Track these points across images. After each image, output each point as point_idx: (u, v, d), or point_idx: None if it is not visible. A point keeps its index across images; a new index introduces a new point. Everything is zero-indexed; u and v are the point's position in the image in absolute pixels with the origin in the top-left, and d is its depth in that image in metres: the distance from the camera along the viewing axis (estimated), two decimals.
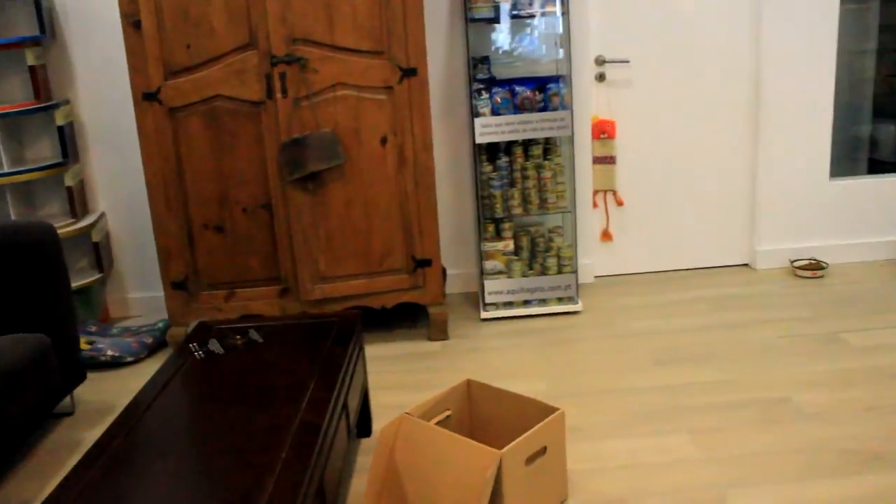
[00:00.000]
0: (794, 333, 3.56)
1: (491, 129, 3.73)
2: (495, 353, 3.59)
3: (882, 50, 5.12)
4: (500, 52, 4.07)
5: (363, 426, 2.94)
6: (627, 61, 4.16)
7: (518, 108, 3.79)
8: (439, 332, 3.75)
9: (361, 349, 2.84)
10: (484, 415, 2.61)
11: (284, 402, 2.24)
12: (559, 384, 3.24)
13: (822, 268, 4.29)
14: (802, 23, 4.14)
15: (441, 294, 3.72)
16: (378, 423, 3.02)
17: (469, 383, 2.62)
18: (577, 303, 3.96)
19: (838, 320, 3.68)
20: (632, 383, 3.20)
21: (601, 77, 4.17)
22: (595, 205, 4.34)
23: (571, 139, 3.98)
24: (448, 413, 2.56)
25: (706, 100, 4.26)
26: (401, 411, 2.44)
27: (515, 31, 4.06)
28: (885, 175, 4.51)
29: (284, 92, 3.41)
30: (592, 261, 4.39)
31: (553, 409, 2.37)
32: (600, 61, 4.15)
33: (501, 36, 4.06)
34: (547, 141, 3.98)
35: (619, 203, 4.35)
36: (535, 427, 2.26)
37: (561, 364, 3.42)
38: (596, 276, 4.44)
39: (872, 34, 5.07)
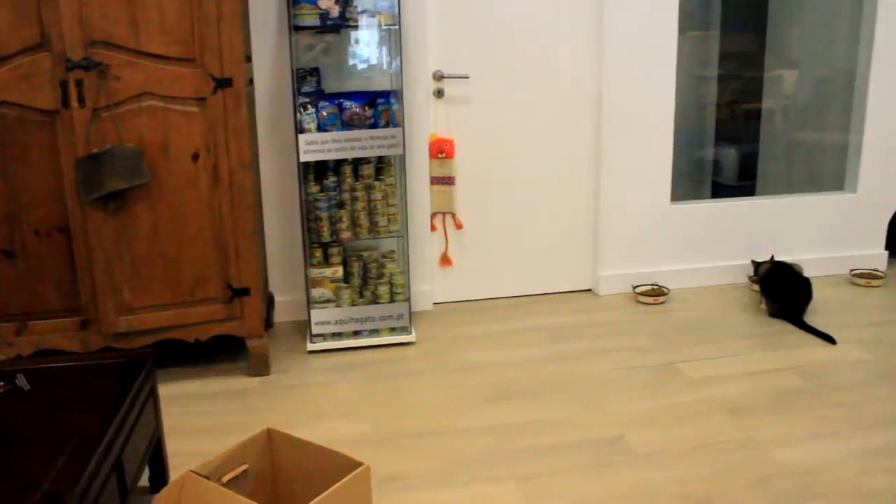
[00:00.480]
0: (630, 365, 3.44)
1: (316, 146, 3.45)
2: (318, 389, 3.30)
3: (722, 77, 5.18)
4: (332, 64, 3.80)
5: (157, 480, 2.60)
6: (467, 77, 3.97)
7: (347, 125, 3.53)
8: (259, 367, 3.43)
9: (152, 392, 2.50)
10: (287, 469, 2.32)
11: (32, 467, 1.89)
12: (383, 426, 2.99)
13: (664, 293, 4.22)
14: (642, 47, 4.06)
15: (261, 326, 3.40)
16: (176, 476, 2.68)
17: (269, 433, 2.33)
18: (410, 333, 3.72)
19: (675, 350, 3.58)
20: (460, 423, 2.98)
21: (440, 93, 3.97)
22: (433, 228, 4.12)
23: (403, 158, 3.74)
24: (245, 467, 2.26)
25: (548, 120, 4.12)
26: (204, 459, 2.13)
27: (348, 43, 3.80)
28: (724, 199, 4.51)
29: (81, 101, 3.04)
30: (431, 287, 4.17)
31: (357, 464, 2.11)
32: (438, 76, 3.95)
33: (333, 47, 3.80)
34: (380, 160, 3.73)
35: (459, 226, 4.14)
36: (335, 486, 1.99)
37: (387, 402, 3.17)
38: (435, 303, 4.22)
39: (713, 61, 5.12)
